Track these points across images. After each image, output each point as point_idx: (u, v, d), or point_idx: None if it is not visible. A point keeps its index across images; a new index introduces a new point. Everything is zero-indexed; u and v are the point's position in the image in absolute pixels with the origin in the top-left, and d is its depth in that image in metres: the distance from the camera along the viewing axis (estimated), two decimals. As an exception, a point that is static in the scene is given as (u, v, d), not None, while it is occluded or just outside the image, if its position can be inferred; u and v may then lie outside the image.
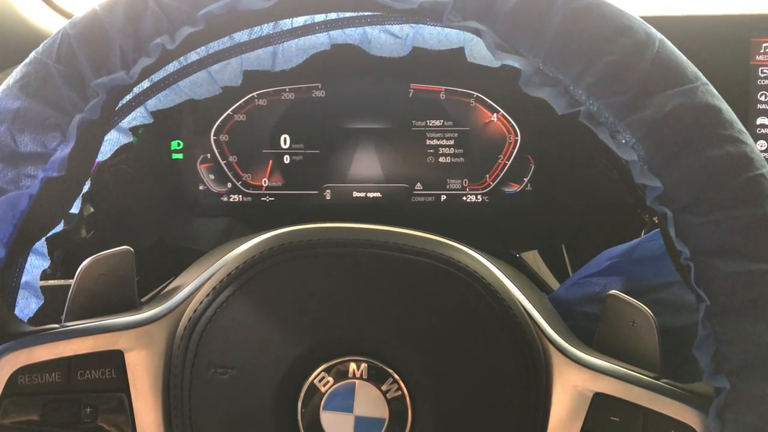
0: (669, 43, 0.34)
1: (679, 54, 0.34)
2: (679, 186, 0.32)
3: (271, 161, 0.72)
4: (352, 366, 0.37)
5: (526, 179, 0.72)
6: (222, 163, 0.72)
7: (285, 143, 0.72)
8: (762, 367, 0.32)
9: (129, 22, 0.34)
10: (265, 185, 0.73)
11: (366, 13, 0.42)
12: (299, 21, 0.44)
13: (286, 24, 0.44)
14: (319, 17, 0.43)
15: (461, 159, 0.72)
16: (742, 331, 0.32)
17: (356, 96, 0.72)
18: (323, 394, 0.37)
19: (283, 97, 0.71)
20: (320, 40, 0.48)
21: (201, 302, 0.38)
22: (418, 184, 0.73)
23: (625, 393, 0.37)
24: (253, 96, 0.71)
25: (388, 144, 0.72)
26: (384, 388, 0.37)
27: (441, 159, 0.72)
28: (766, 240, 0.32)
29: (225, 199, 0.73)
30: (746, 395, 0.32)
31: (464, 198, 0.73)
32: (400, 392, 0.37)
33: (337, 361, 0.37)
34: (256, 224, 0.73)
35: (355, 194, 0.73)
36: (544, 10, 0.33)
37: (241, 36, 0.44)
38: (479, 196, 0.73)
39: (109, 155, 0.49)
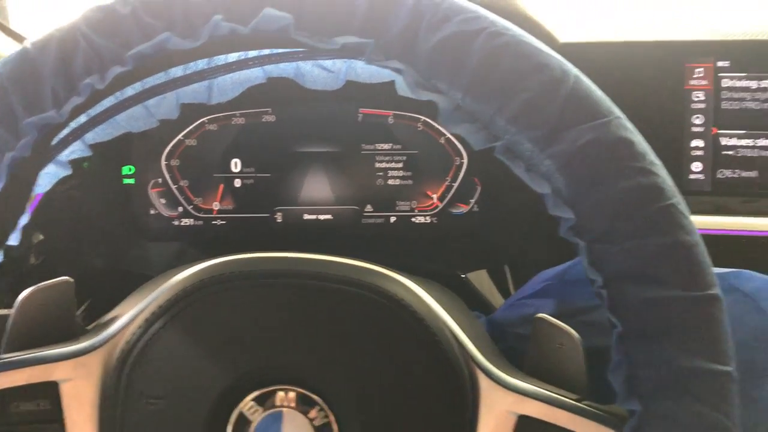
0: (585, 79, 0.36)
1: (594, 89, 0.36)
2: (593, 216, 0.34)
3: (222, 185, 0.73)
4: (280, 394, 0.38)
5: (472, 201, 0.74)
6: (173, 187, 0.73)
7: (236, 167, 0.73)
8: (672, 389, 0.33)
9: (60, 62, 0.35)
10: (216, 209, 0.73)
11: (298, 49, 0.43)
12: (233, 56, 0.45)
13: (221, 59, 0.45)
14: (252, 52, 0.44)
15: (410, 181, 0.74)
16: (654, 355, 0.33)
17: (306, 120, 0.73)
18: (252, 423, 0.38)
19: (233, 122, 0.72)
20: (255, 74, 0.49)
21: (134, 333, 0.39)
22: (368, 206, 0.74)
23: (547, 415, 0.39)
24: (204, 121, 0.72)
25: (338, 167, 0.73)
26: (311, 415, 0.38)
27: (390, 181, 0.74)
28: (677, 267, 0.33)
29: (176, 223, 0.73)
30: (657, 417, 0.33)
31: (413, 219, 0.74)
32: (327, 419, 0.38)
33: (265, 390, 0.38)
34: (208, 248, 0.74)
35: (306, 217, 0.74)
36: (463, 49, 0.34)
37: (177, 71, 0.45)
38: (427, 218, 0.74)
39: (48, 188, 0.49)
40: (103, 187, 0.73)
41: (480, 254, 0.75)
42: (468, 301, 0.64)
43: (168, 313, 0.39)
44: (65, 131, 0.43)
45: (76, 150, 0.50)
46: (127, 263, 0.74)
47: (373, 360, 0.39)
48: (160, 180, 0.73)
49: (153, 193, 0.73)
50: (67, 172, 0.51)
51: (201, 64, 0.45)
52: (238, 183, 0.73)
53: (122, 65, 0.35)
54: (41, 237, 0.69)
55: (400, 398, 0.39)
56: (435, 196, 0.74)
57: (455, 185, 0.74)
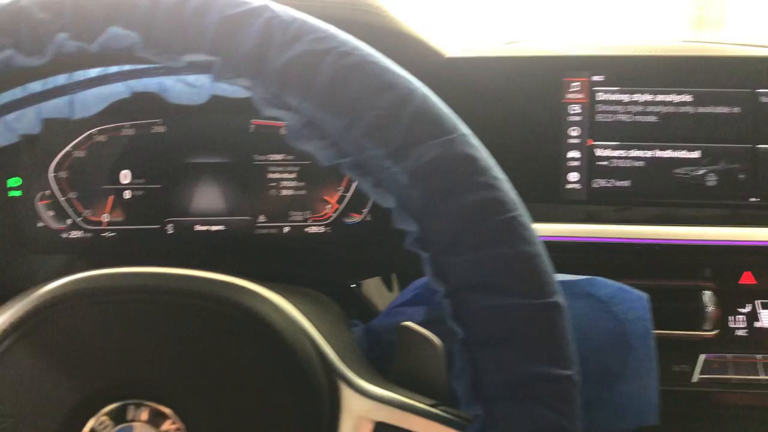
0: (432, 97, 0.37)
1: (441, 107, 0.37)
2: (438, 229, 0.35)
3: (111, 197, 0.72)
4: (131, 409, 0.39)
5: (365, 210, 0.75)
6: (61, 199, 0.72)
7: (126, 179, 0.72)
8: (515, 393, 0.35)
9: None
10: (106, 221, 0.73)
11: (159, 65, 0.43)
12: (94, 71, 0.45)
13: (80, 74, 0.45)
14: (114, 68, 0.45)
15: (303, 192, 0.74)
16: (497, 361, 0.35)
17: (197, 131, 0.73)
18: None
19: (123, 133, 0.72)
20: (119, 89, 0.49)
21: None
22: (261, 217, 0.74)
23: (402, 421, 0.40)
24: (92, 132, 0.71)
25: (230, 178, 0.73)
26: (162, 428, 0.39)
27: (283, 192, 0.74)
28: (518, 276, 0.35)
29: (65, 235, 0.72)
30: (499, 420, 0.35)
31: (306, 229, 0.75)
32: None
33: (116, 405, 0.38)
34: (97, 260, 0.73)
35: (198, 228, 0.74)
36: (313, 67, 0.35)
37: (35, 86, 0.44)
38: (321, 228, 0.75)
39: None
40: (-14, 200, 0.71)
41: (372, 263, 0.76)
42: (358, 311, 0.66)
43: (18, 330, 0.39)
44: None
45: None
46: (13, 277, 0.72)
47: (225, 372, 0.40)
48: (47, 192, 0.72)
49: (40, 206, 0.72)
50: None
51: (61, 79, 0.45)
52: (128, 194, 0.73)
53: None
54: None
55: (255, 412, 0.40)
56: (329, 206, 0.75)
57: (348, 195, 0.75)
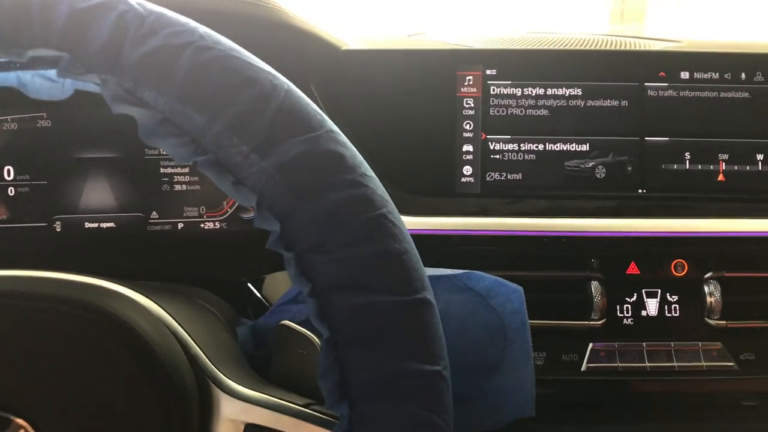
0: (297, 92, 0.36)
1: (306, 103, 0.36)
2: (304, 228, 0.34)
3: None
4: None
5: (263, 205, 0.74)
6: (-62, 197, 0.69)
7: (9, 175, 0.70)
8: (382, 391, 0.34)
9: None
10: (-12, 219, 0.70)
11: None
12: (-60, 66, 0.43)
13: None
14: (-38, 62, 0.43)
15: (197, 186, 0.73)
16: (364, 359, 0.34)
17: (85, 125, 0.70)
18: None
19: (4, 128, 0.69)
20: (-26, 83, 0.47)
21: None
22: (154, 213, 0.72)
23: (272, 422, 0.40)
24: (-28, 126, 0.68)
25: (120, 173, 0.71)
26: None
27: (177, 187, 0.72)
28: (387, 273, 0.34)
29: (-56, 235, 0.69)
30: (367, 418, 0.34)
31: (202, 225, 0.73)
32: None
33: None
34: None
35: (88, 225, 0.71)
36: (169, 63, 0.34)
37: None
38: (217, 223, 0.74)
39: None
40: None
41: (271, 258, 0.75)
42: (255, 308, 0.65)
43: None
44: None
45: None
46: None
47: (85, 381, 0.39)
48: (-76, 189, 0.68)
49: None
50: None
51: None
52: (11, 191, 0.70)
53: None
54: None
55: (116, 416, 0.39)
56: (225, 201, 0.74)
57: None
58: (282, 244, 0.36)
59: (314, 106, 0.37)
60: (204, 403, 0.40)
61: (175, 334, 0.41)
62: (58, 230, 0.71)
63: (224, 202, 0.74)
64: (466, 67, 0.71)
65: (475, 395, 0.49)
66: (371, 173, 0.36)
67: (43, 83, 0.47)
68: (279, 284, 0.77)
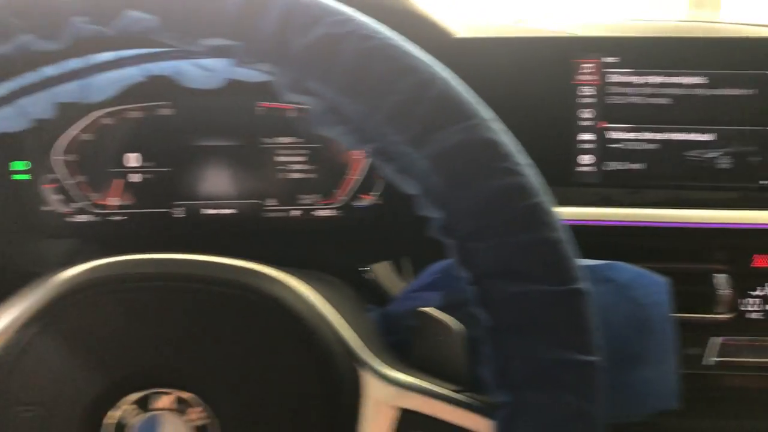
0: (453, 81, 0.37)
1: (463, 92, 0.36)
2: (462, 216, 0.35)
3: (119, 180, 0.72)
4: (157, 397, 0.38)
5: (375, 193, 0.75)
6: (68, 183, 0.71)
7: (134, 161, 0.72)
8: (540, 380, 0.35)
9: None
10: (113, 205, 0.72)
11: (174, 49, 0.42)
12: (109, 55, 0.44)
13: (95, 58, 0.45)
14: (128, 51, 0.44)
15: (312, 175, 0.74)
16: (522, 348, 0.35)
17: (205, 114, 0.72)
18: (130, 426, 0.38)
19: (130, 116, 0.71)
20: (134, 72, 0.48)
21: (10, 339, 0.39)
22: (270, 200, 0.74)
23: (427, 407, 0.40)
24: (99, 115, 0.71)
25: (238, 161, 0.73)
26: (190, 417, 0.38)
27: (291, 175, 0.74)
28: (543, 262, 0.35)
29: (72, 219, 0.72)
30: (526, 406, 0.35)
31: (315, 213, 0.74)
32: (205, 420, 0.38)
33: (142, 393, 0.38)
34: (105, 244, 0.73)
35: (207, 211, 0.73)
36: (332, 52, 0.35)
37: (49, 69, 0.44)
38: (330, 211, 0.75)
39: None
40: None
41: (383, 246, 0.76)
42: (369, 295, 0.65)
43: (43, 318, 0.38)
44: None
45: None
46: (20, 262, 0.71)
47: (250, 360, 0.40)
48: (54, 175, 0.71)
49: (47, 189, 0.71)
50: None
51: (75, 62, 0.44)
52: (136, 178, 0.72)
53: None
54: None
55: (279, 397, 0.40)
56: (338, 189, 0.75)
57: (358, 177, 0.74)
58: (444, 231, 0.36)
59: (469, 94, 0.37)
60: (354, 387, 0.41)
61: (325, 317, 0.42)
62: (178, 216, 0.73)
63: (338, 190, 0.74)
64: (584, 55, 0.70)
65: (616, 387, 0.48)
66: (525, 161, 0.36)
67: (199, 72, 0.49)
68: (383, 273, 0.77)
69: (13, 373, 0.38)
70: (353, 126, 0.36)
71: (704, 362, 0.65)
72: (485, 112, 0.36)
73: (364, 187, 0.75)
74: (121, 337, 0.39)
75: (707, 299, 0.65)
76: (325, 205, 0.75)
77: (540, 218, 0.35)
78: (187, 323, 0.40)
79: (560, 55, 0.70)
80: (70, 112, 0.51)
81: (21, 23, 0.34)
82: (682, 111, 0.69)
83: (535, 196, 0.35)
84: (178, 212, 0.73)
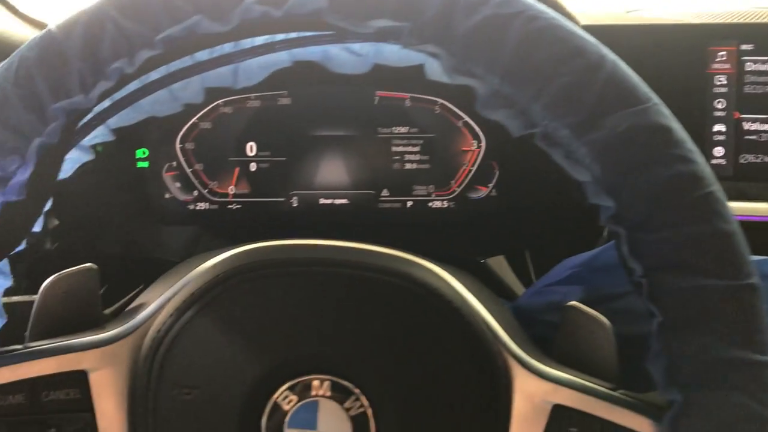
0: (622, 63, 0.35)
1: (632, 74, 0.35)
2: (632, 205, 0.33)
3: (237, 169, 0.73)
4: (315, 384, 0.38)
5: (490, 185, 0.73)
6: (188, 171, 0.72)
7: (251, 151, 0.72)
8: (712, 378, 0.33)
9: (87, 46, 0.34)
10: (231, 193, 0.73)
11: (326, 33, 0.42)
12: (260, 39, 0.44)
13: (247, 43, 0.44)
14: (280, 36, 0.44)
15: (427, 165, 0.73)
16: (693, 345, 0.33)
17: (322, 103, 0.72)
18: (287, 413, 0.38)
19: (248, 105, 0.72)
20: (282, 58, 0.48)
21: (165, 322, 0.39)
22: (385, 191, 0.73)
23: (582, 404, 0.38)
24: (218, 104, 0.71)
25: (354, 151, 0.73)
26: (347, 405, 0.38)
27: (407, 165, 0.73)
28: (716, 256, 0.33)
29: (191, 207, 0.73)
30: (697, 406, 0.33)
31: (430, 204, 0.74)
32: (362, 409, 0.38)
33: (300, 379, 0.38)
34: (223, 232, 0.74)
35: (322, 201, 0.73)
36: (499, 33, 0.34)
37: (202, 54, 0.44)
38: (445, 202, 0.74)
39: (70, 173, 0.49)
40: (116, 171, 0.72)
41: (498, 239, 0.74)
42: (489, 288, 0.64)
43: (200, 300, 0.38)
44: (89, 116, 0.42)
45: (98, 135, 0.50)
46: (142, 248, 0.73)
47: (408, 349, 0.39)
48: (174, 163, 0.72)
49: (167, 177, 0.72)
50: (89, 157, 0.50)
51: (227, 47, 0.44)
52: (253, 167, 0.73)
53: (151, 49, 0.34)
54: (56, 222, 0.68)
55: (434, 388, 0.39)
56: (453, 181, 0.73)
57: (473, 169, 0.73)
58: (614, 220, 0.34)
59: (638, 77, 0.35)
60: (506, 380, 0.40)
61: (476, 309, 0.41)
62: (295, 205, 0.73)
63: (452, 182, 0.73)
64: (719, 42, 0.67)
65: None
66: (696, 148, 0.34)
67: (348, 57, 0.48)
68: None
69: (169, 356, 0.38)
70: (519, 109, 0.35)
71: None
72: (655, 97, 0.35)
73: (480, 179, 0.73)
74: (280, 322, 0.39)
75: None
76: (440, 196, 0.74)
77: (714, 209, 0.33)
78: (346, 310, 0.39)
79: (694, 43, 0.67)
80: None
81: (191, 5, 0.34)
82: (825, 101, 0.65)
83: (709, 185, 0.33)
84: (295, 201, 0.73)
